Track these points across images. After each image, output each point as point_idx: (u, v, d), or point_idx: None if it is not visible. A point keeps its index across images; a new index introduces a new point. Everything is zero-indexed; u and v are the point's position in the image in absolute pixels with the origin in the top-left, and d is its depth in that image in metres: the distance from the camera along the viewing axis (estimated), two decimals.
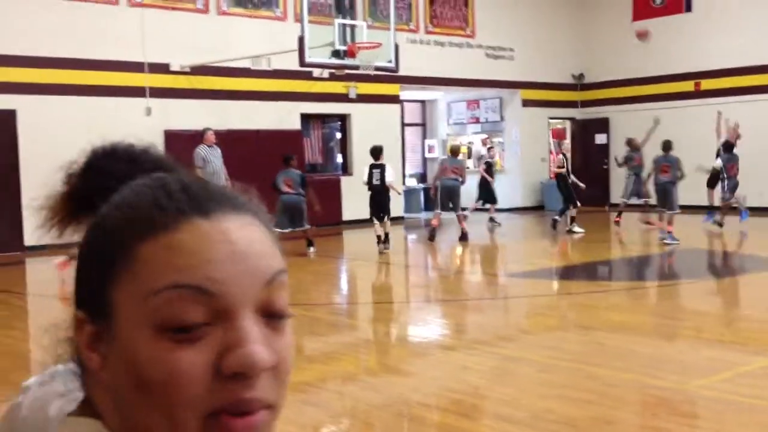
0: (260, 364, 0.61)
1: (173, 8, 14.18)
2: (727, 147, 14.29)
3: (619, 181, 19.92)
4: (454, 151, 13.99)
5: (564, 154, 15.09)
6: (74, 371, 0.73)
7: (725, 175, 14.11)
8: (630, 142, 14.77)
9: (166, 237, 0.63)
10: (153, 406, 0.61)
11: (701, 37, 18.23)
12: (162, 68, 14.02)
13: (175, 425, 0.61)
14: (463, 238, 13.14)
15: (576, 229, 14.10)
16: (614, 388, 5.08)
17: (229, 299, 0.62)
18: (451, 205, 13.24)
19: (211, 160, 12.41)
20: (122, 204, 0.67)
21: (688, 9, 18.53)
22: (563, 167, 14.68)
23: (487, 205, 16.07)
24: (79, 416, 0.68)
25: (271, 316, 0.64)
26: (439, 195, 13.27)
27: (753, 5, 17.49)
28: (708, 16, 18.13)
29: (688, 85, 18.57)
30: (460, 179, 13.22)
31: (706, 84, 18.26)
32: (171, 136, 13.81)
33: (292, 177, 11.92)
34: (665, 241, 12.05)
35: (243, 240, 0.64)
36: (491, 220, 15.90)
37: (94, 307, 0.66)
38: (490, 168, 16.39)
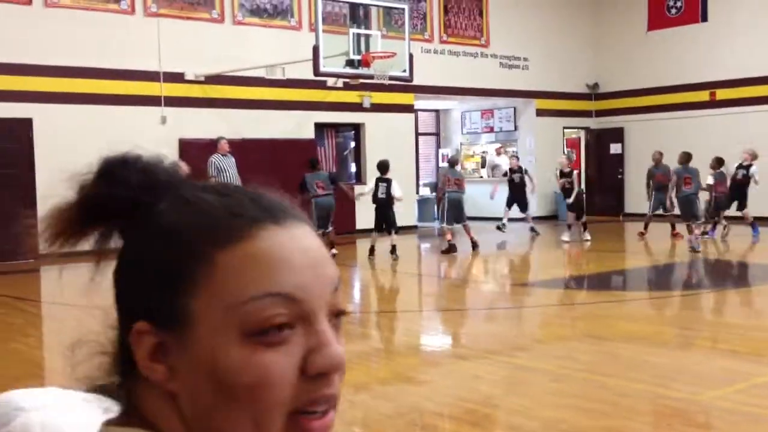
0: (343, 362, 0.66)
1: (189, 18, 14.28)
2: (719, 163, 14.19)
3: (632, 191, 19.87)
4: (453, 162, 14.03)
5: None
6: (103, 388, 0.72)
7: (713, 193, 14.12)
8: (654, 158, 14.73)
9: (246, 245, 0.64)
10: (239, 410, 0.63)
11: (717, 47, 18.16)
12: (177, 77, 14.11)
13: (262, 427, 0.63)
14: (474, 247, 13.14)
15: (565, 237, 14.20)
16: (627, 398, 5.05)
17: (311, 304, 0.65)
18: (458, 217, 13.25)
19: (225, 168, 12.46)
20: (191, 212, 0.67)
21: (704, 19, 18.47)
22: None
23: (523, 214, 15.81)
24: (125, 426, 0.68)
25: (336, 315, 0.68)
26: (446, 208, 13.25)
27: (767, 15, 17.42)
28: (724, 26, 18.06)
29: (703, 95, 18.50)
30: (463, 190, 13.29)
31: (722, 94, 18.18)
32: (186, 145, 13.90)
33: (322, 178, 12.15)
34: (694, 248, 12.33)
35: (313, 247, 0.67)
36: (532, 229, 15.63)
37: (161, 317, 0.65)
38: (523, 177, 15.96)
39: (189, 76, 14.28)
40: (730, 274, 11.32)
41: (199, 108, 14.22)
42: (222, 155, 12.69)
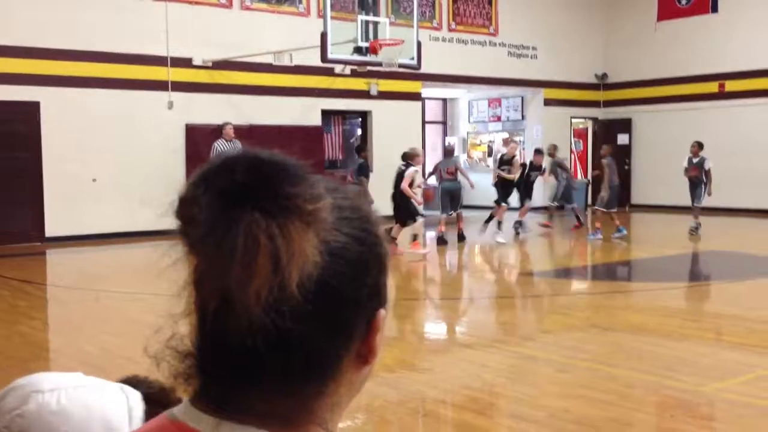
0: None
1: (197, 3, 14.24)
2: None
3: (639, 182, 19.82)
4: (448, 152, 14.04)
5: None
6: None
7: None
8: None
9: None
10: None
11: (726, 39, 18.05)
12: (185, 62, 14.09)
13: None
14: (461, 239, 13.07)
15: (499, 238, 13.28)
16: (632, 389, 5.05)
17: None
18: (451, 206, 13.15)
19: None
20: (378, 223, 0.75)
21: (714, 10, 18.35)
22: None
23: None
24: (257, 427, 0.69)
25: None
26: (441, 197, 13.21)
27: None
28: (734, 17, 17.95)
29: (712, 87, 18.40)
30: (458, 179, 13.11)
31: (731, 85, 18.09)
32: (192, 130, 13.89)
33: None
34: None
35: None
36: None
37: (386, 303, 0.74)
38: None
39: (197, 62, 14.26)
40: (735, 266, 11.29)
41: (206, 93, 14.20)
42: (227, 141, 12.67)
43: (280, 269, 0.63)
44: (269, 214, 0.63)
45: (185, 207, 0.67)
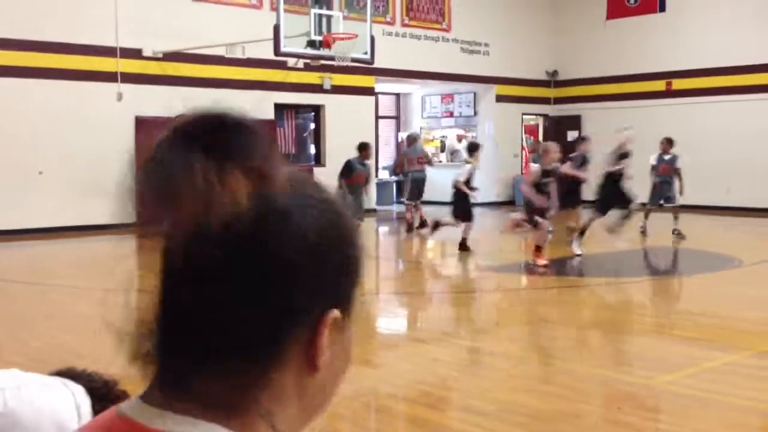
0: None
1: None
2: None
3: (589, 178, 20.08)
4: (413, 140, 14.04)
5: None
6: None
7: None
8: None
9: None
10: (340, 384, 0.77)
11: (674, 38, 18.41)
12: (134, 53, 13.86)
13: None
14: (422, 226, 13.24)
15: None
16: (582, 383, 5.12)
17: None
18: (418, 196, 13.36)
19: None
20: (352, 225, 0.75)
21: (662, 9, 18.69)
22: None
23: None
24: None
25: None
26: (410, 187, 13.35)
27: (724, 6, 17.68)
28: (681, 17, 18.31)
29: (659, 85, 18.75)
30: (424, 169, 13.36)
31: (678, 84, 18.45)
32: (142, 123, 13.67)
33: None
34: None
35: None
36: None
37: (345, 309, 0.72)
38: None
39: (147, 53, 14.04)
40: (684, 262, 11.53)
41: (157, 85, 13.97)
42: None
43: (207, 205, 0.65)
44: (214, 158, 0.67)
45: (157, 140, 0.70)
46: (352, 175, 11.79)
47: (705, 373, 5.27)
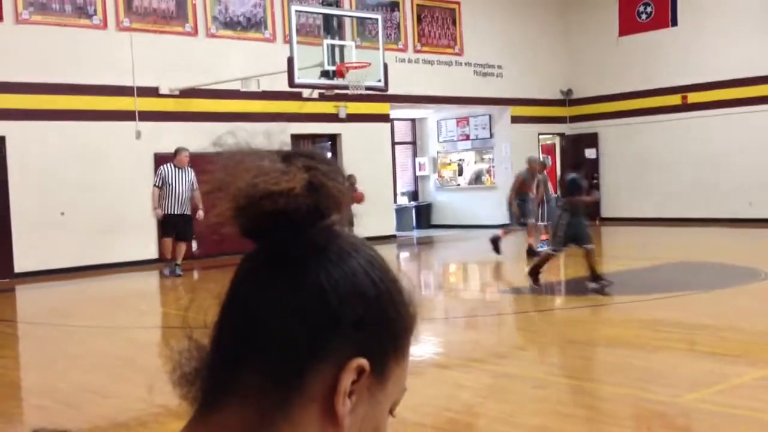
0: None
1: (162, 32, 14.23)
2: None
3: (608, 195, 20.03)
4: (542, 168, 13.32)
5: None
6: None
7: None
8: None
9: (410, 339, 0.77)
10: None
11: (687, 51, 18.37)
12: (151, 92, 14.04)
13: None
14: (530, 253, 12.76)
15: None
16: (608, 403, 5.08)
17: None
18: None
19: (173, 182, 11.92)
20: (399, 289, 0.75)
21: (674, 23, 18.68)
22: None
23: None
24: None
25: None
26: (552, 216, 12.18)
27: (735, 18, 17.65)
28: (693, 31, 18.29)
29: (675, 99, 18.69)
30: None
31: (693, 97, 18.39)
32: (161, 159, 13.80)
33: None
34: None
35: None
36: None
37: (376, 364, 0.72)
38: None
39: (163, 90, 14.22)
40: (708, 276, 11.42)
41: (174, 122, 14.14)
42: (177, 167, 12.02)
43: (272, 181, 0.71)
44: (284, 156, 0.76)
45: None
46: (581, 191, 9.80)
47: (734, 390, 5.20)
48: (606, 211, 19.94)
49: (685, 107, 18.50)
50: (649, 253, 12.88)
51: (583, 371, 5.97)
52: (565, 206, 9.60)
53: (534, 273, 9.71)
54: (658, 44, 18.84)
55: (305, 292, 0.70)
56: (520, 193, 13.09)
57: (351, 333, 0.70)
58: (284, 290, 0.70)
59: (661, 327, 7.70)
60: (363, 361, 0.70)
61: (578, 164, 13.02)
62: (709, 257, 12.31)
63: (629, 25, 19.43)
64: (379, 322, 0.72)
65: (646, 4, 19.05)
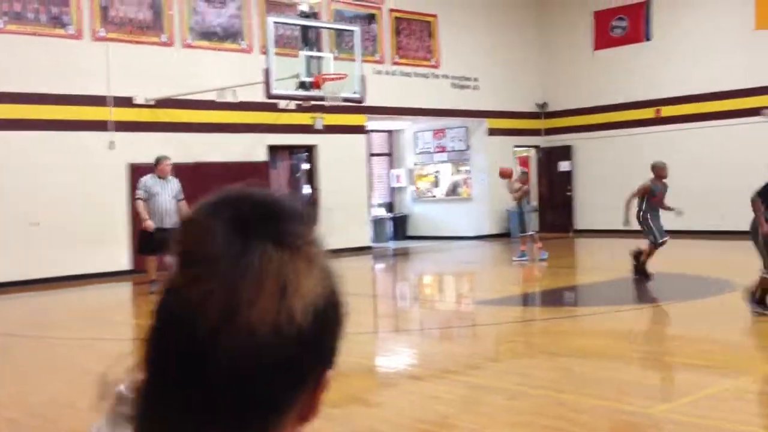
0: None
1: (138, 42, 14.18)
2: None
3: (582, 207, 20.18)
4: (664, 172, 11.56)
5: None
6: None
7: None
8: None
9: None
10: None
11: (660, 66, 18.61)
12: (126, 102, 13.98)
13: None
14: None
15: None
16: (582, 414, 5.11)
17: None
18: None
19: (158, 192, 11.23)
20: (341, 287, 0.75)
21: (648, 38, 18.92)
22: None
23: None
24: None
25: None
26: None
27: (707, 33, 17.91)
28: (667, 45, 18.53)
29: (648, 113, 18.92)
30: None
31: (666, 111, 18.62)
32: (137, 170, 13.73)
33: None
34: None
35: None
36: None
37: (332, 369, 0.74)
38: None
39: (139, 100, 14.16)
40: (681, 287, 11.54)
41: (150, 132, 14.07)
42: (159, 177, 11.36)
43: (287, 296, 0.66)
44: (275, 246, 0.67)
45: (194, 230, 0.69)
46: None
47: (705, 400, 5.27)
48: (580, 223, 20.10)
49: (659, 121, 18.72)
50: (623, 265, 12.99)
51: (557, 382, 6.01)
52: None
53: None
54: (632, 58, 19.07)
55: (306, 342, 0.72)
56: None
57: (329, 353, 0.74)
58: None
59: (633, 338, 7.78)
60: (331, 373, 0.74)
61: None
62: (682, 269, 12.44)
63: (604, 39, 19.65)
64: (342, 331, 0.75)
65: (621, 19, 19.28)
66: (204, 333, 0.66)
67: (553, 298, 10.86)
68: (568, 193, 20.36)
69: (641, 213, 11.27)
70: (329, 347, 0.73)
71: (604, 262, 14.27)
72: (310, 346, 0.69)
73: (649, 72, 18.78)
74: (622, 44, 19.29)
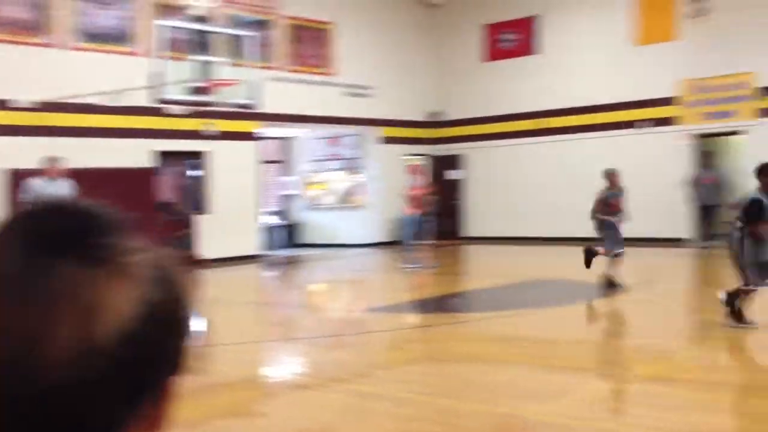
0: None
1: (20, 43, 13.63)
2: None
3: (470, 215, 20.66)
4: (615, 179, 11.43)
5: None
6: None
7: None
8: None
9: None
10: None
11: (548, 78, 19.27)
12: (5, 104, 13.42)
13: None
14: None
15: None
16: (461, 418, 5.26)
17: None
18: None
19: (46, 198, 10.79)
20: (186, 292, 0.70)
21: (537, 51, 19.59)
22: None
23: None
24: None
25: None
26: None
27: (592, 49, 18.69)
28: (554, 59, 19.22)
29: (536, 123, 19.56)
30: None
31: (553, 122, 19.30)
32: (16, 176, 13.18)
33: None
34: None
35: None
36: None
37: (177, 375, 0.70)
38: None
39: (18, 103, 13.59)
40: (563, 292, 11.97)
41: (30, 137, 13.53)
42: (50, 179, 10.83)
43: (89, 319, 0.60)
44: (79, 262, 0.61)
45: None
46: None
47: (574, 402, 5.51)
48: (471, 231, 20.56)
49: (546, 131, 19.38)
50: (506, 271, 13.38)
51: (441, 388, 6.16)
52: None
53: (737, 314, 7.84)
54: (521, 71, 19.69)
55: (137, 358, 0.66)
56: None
57: (173, 362, 0.69)
58: None
59: (514, 342, 8.03)
60: (175, 380, 0.69)
61: None
62: (564, 275, 12.90)
63: (494, 51, 20.22)
64: (185, 337, 0.70)
65: (510, 32, 19.89)
66: None
67: (441, 304, 11.07)
68: (456, 201, 20.81)
69: (601, 221, 11.28)
70: (162, 360, 0.67)
71: (490, 269, 14.64)
72: (129, 366, 0.62)
73: (536, 84, 19.43)
74: (510, 57, 19.91)
